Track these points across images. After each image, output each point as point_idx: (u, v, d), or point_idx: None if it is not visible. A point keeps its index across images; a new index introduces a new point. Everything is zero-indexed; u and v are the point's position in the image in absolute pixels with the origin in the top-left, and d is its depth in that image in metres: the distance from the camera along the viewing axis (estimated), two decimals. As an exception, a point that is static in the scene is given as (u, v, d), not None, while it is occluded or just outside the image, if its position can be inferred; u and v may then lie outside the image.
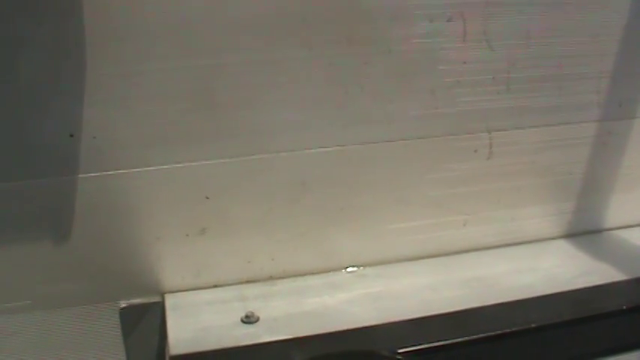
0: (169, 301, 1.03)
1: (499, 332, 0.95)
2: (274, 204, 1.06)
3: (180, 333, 0.95)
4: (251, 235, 1.07)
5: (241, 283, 1.10)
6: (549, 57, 1.14)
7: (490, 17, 1.07)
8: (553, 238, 1.25)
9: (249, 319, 0.98)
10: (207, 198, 1.01)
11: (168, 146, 0.98)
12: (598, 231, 1.28)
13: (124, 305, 1.03)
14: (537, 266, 1.15)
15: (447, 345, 0.92)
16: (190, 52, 0.95)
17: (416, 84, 1.07)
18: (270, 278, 1.10)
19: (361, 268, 1.14)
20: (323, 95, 1.03)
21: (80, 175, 0.96)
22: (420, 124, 1.09)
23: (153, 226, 1.01)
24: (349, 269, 1.13)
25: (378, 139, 1.07)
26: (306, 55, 1.00)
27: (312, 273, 1.12)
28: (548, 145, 1.18)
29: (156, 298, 1.05)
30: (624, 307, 1.02)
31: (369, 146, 1.07)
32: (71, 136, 0.92)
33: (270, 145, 1.03)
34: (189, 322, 0.98)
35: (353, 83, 1.04)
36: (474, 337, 0.94)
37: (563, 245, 1.23)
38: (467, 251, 1.19)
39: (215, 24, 0.95)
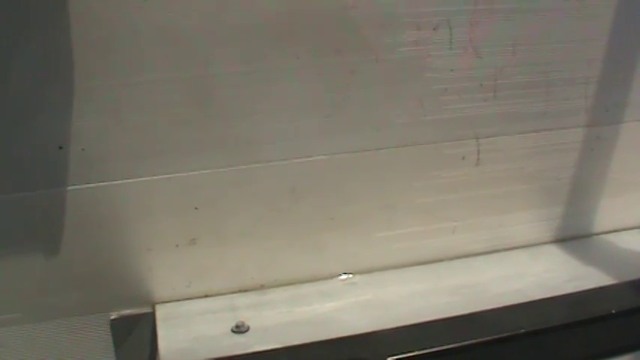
0: (160, 311, 1.06)
1: (489, 338, 0.98)
2: (264, 213, 1.09)
3: (171, 344, 0.98)
4: (241, 245, 1.10)
5: (232, 292, 1.13)
6: (536, 63, 1.18)
7: (476, 25, 1.10)
8: (543, 244, 1.28)
9: (239, 329, 1.01)
10: (197, 208, 1.04)
11: (157, 157, 1.02)
12: (587, 235, 1.31)
13: (114, 316, 1.06)
14: (527, 272, 1.18)
15: (438, 352, 0.95)
16: (179, 63, 0.99)
17: (403, 92, 1.10)
18: (262, 287, 1.13)
19: (351, 276, 1.17)
20: (311, 105, 1.06)
21: (69, 187, 0.99)
22: (408, 131, 1.12)
23: (143, 237, 1.04)
24: (340, 277, 1.17)
25: (366, 147, 1.11)
26: (295, 65, 1.04)
27: (303, 281, 1.15)
28: (536, 151, 1.22)
29: (147, 309, 1.07)
30: (613, 311, 1.05)
31: (358, 154, 1.10)
32: (60, 148, 0.96)
33: (259, 155, 1.06)
34: (180, 332, 1.01)
35: (341, 92, 1.07)
36: (464, 343, 0.97)
37: (553, 250, 1.26)
38: (457, 258, 1.23)
39: (204, 35, 0.99)
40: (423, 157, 1.14)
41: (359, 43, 1.06)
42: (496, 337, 0.99)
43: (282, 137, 1.06)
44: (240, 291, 1.13)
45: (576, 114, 1.22)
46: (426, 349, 0.95)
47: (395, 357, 0.93)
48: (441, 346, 0.96)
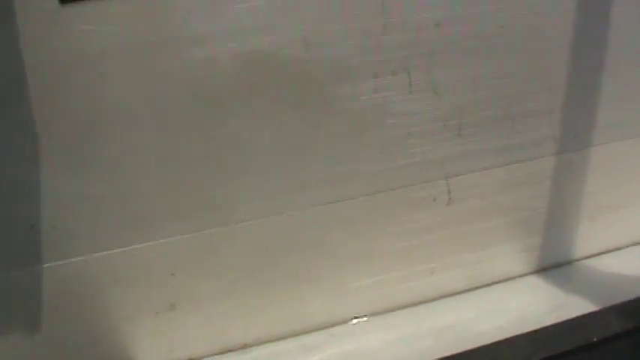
0: (145, 380, 1.05)
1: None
2: (240, 273, 1.13)
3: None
4: (221, 307, 1.13)
5: (215, 354, 1.15)
6: (498, 98, 1.21)
7: (434, 66, 1.15)
8: (523, 275, 1.32)
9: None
10: (173, 274, 1.07)
11: (129, 228, 1.05)
12: (568, 262, 1.35)
13: (100, 387, 1.06)
14: (508, 307, 1.21)
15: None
16: (143, 132, 1.03)
17: (368, 140, 1.14)
18: (244, 346, 1.16)
19: (332, 327, 1.19)
20: (277, 162, 1.10)
21: (44, 265, 1.03)
22: (377, 179, 1.16)
23: (122, 307, 1.08)
24: (320, 330, 1.19)
25: (336, 198, 1.14)
26: (257, 124, 1.08)
27: (285, 337, 1.18)
28: (508, 184, 1.25)
29: (132, 378, 1.07)
30: (595, 339, 1.08)
31: (328, 207, 1.14)
32: (32, 227, 0.98)
33: (230, 217, 1.10)
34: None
35: (305, 147, 1.11)
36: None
37: (534, 281, 1.30)
38: (437, 299, 1.26)
39: (166, 100, 1.03)
40: (394, 203, 1.17)
41: (318, 97, 1.09)
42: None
43: (252, 197, 1.10)
44: (223, 352, 1.15)
45: (544, 143, 1.25)
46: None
47: None
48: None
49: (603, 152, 1.30)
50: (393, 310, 1.23)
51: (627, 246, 1.39)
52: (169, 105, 1.01)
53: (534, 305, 1.21)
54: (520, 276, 1.32)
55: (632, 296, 1.18)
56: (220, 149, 1.06)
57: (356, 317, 1.21)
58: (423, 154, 1.18)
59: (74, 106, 0.97)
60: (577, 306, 1.19)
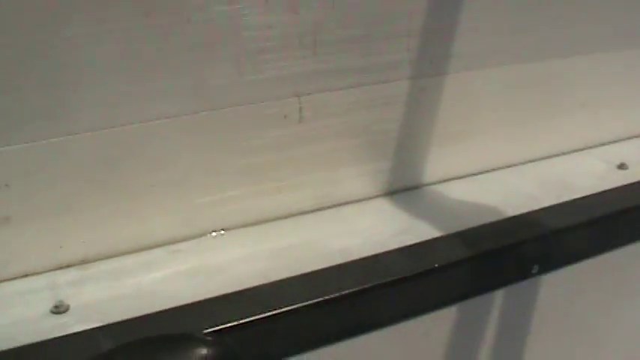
0: (-24, 296, 1.05)
1: (309, 302, 1.07)
2: (80, 186, 1.13)
3: (-13, 330, 0.97)
4: (59, 220, 1.14)
5: (53, 269, 1.16)
6: (356, 18, 1.25)
7: (291, -22, 1.12)
8: (372, 198, 1.39)
9: (58, 309, 1.05)
10: (7, 186, 1.08)
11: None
12: (417, 187, 1.44)
13: None
14: (354, 229, 1.28)
15: (255, 320, 1.03)
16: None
17: (219, 53, 1.15)
18: (83, 262, 1.18)
19: (175, 244, 1.23)
20: (122, 71, 1.09)
21: None
22: (226, 93, 1.18)
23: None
24: (162, 246, 1.22)
25: (182, 111, 1.16)
26: (101, 30, 1.06)
27: (126, 253, 1.20)
28: (361, 106, 1.30)
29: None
30: (436, 265, 1.17)
31: (174, 120, 1.15)
32: None
33: (68, 127, 1.09)
34: (-5, 317, 1.00)
35: (152, 56, 1.11)
36: (284, 309, 1.05)
37: (382, 204, 1.38)
38: (284, 217, 1.31)
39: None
40: (244, 119, 1.20)
41: (169, 5, 1.09)
42: (319, 299, 1.07)
43: (94, 107, 1.09)
44: (61, 267, 1.16)
45: (400, 67, 1.31)
46: (245, 317, 1.02)
47: (214, 328, 0.99)
48: (261, 313, 1.03)
49: (457, 80, 1.38)
50: (239, 227, 1.27)
51: (474, 174, 1.48)
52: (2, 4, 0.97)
53: (380, 228, 1.28)
54: (368, 198, 1.38)
55: (475, 224, 1.27)
56: (60, 54, 1.04)
57: (201, 234, 1.25)
58: (276, 70, 1.20)
59: None
60: (421, 231, 1.27)
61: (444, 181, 1.46)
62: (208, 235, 1.25)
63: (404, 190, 1.42)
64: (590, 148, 1.63)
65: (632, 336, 1.58)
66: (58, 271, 1.16)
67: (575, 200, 1.37)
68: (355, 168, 1.34)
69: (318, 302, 1.07)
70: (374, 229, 1.27)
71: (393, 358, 1.22)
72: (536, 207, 1.34)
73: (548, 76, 1.47)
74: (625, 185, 1.42)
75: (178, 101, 1.14)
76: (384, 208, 1.36)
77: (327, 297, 1.08)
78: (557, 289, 1.32)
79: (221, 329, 0.99)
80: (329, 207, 1.35)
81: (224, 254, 1.20)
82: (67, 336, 0.99)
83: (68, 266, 1.17)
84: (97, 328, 1.00)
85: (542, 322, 1.36)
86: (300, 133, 1.25)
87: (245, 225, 1.27)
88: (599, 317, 1.48)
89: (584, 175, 1.50)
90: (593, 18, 1.45)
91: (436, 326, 1.23)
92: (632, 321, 1.54)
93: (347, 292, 1.09)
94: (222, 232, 1.26)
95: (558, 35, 1.40)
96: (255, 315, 1.03)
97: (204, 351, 0.86)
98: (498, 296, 1.27)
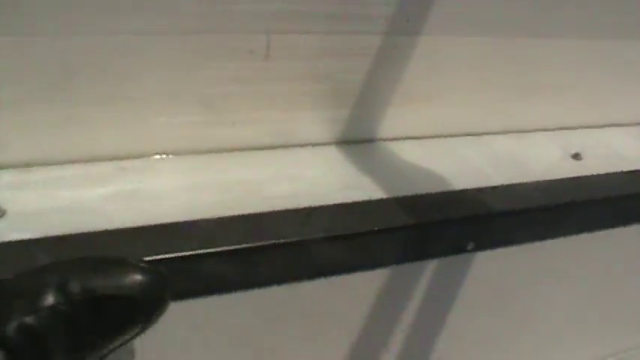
0: None
1: (247, 246, 1.10)
2: (35, 87, 1.13)
3: None
4: (7, 119, 1.15)
5: (-6, 167, 1.12)
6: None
7: None
8: (326, 144, 1.43)
9: (-6, 212, 1.02)
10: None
11: None
12: (372, 140, 1.47)
13: None
14: (303, 174, 1.31)
15: (191, 256, 1.06)
16: None
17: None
18: (27, 165, 1.19)
19: (122, 160, 1.25)
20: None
21: None
22: (196, 19, 1.18)
23: None
24: (111, 161, 1.24)
25: (150, 30, 1.16)
26: None
27: (73, 162, 1.22)
28: (330, 53, 1.32)
29: None
30: (375, 229, 1.20)
31: (141, 37, 1.16)
32: None
33: (29, 27, 1.09)
34: None
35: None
36: (219, 249, 1.08)
37: (335, 152, 1.41)
38: (237, 150, 1.34)
39: None
40: (210, 48, 1.21)
41: None
42: (257, 244, 1.11)
43: (57, 12, 1.09)
44: (2, 167, 1.17)
45: (376, 21, 1.32)
46: (180, 252, 1.05)
47: (151, 257, 1.02)
48: (196, 250, 1.07)
49: (431, 43, 1.40)
50: (189, 153, 1.30)
51: (431, 137, 1.52)
52: None
53: (328, 178, 1.31)
54: (322, 144, 1.42)
55: (421, 191, 1.31)
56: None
57: (152, 154, 1.27)
58: (249, 4, 1.21)
59: None
60: (368, 188, 1.30)
61: (400, 139, 1.50)
62: (157, 156, 1.28)
63: (359, 141, 1.45)
64: (550, 131, 1.66)
65: (554, 324, 1.66)
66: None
67: (523, 184, 1.41)
68: (313, 113, 1.37)
69: (255, 247, 1.11)
70: (322, 178, 1.30)
71: (318, 310, 1.27)
72: (484, 184, 1.37)
73: (520, 54, 1.49)
74: (576, 177, 1.45)
75: (147, 20, 1.15)
76: (336, 156, 1.39)
77: (264, 243, 1.12)
78: (489, 268, 1.38)
79: (158, 259, 1.02)
80: (282, 147, 1.38)
81: (170, 179, 1.22)
82: (2, 243, 0.99)
83: (11, 167, 1.18)
84: (33, 240, 1.01)
85: (469, 297, 1.42)
86: (264, 70, 1.27)
87: (195, 152, 1.30)
88: (524, 301, 1.54)
89: (538, 159, 1.53)
90: (575, 4, 1.47)
91: (365, 286, 1.28)
92: (555, 308, 1.61)
93: (284, 241, 1.13)
94: (171, 156, 1.28)
95: (538, 16, 1.43)
96: (192, 250, 1.06)
97: (138, 277, 0.88)
98: (431, 266, 1.31)
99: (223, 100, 1.27)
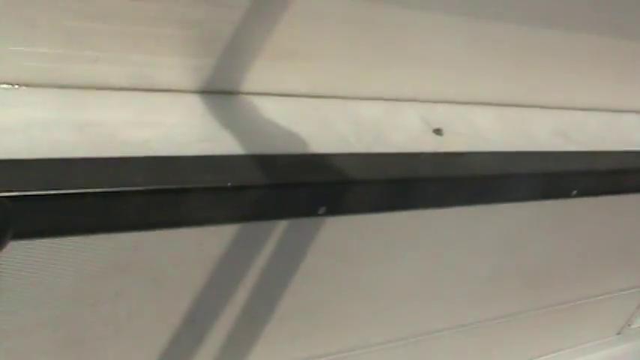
0: None
1: (97, 190, 1.12)
2: None
3: None
4: None
5: None
6: None
7: None
8: (188, 92, 1.42)
9: None
10: None
11: None
12: (235, 93, 1.48)
13: None
14: (162, 121, 1.32)
15: (40, 195, 1.06)
16: None
17: None
18: None
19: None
20: None
21: None
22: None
23: None
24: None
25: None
26: None
27: None
28: (201, 0, 1.30)
29: None
30: (228, 184, 1.23)
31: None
32: None
33: None
34: None
35: None
36: (65, 191, 1.09)
37: (196, 101, 1.41)
38: (96, 88, 1.32)
39: None
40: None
41: None
42: (107, 189, 1.12)
43: None
44: None
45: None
46: (29, 190, 1.05)
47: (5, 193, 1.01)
48: (48, 189, 1.07)
49: (305, 1, 1.41)
50: (45, 86, 1.27)
51: (296, 95, 1.54)
52: None
53: (187, 128, 1.32)
54: (184, 91, 1.42)
55: (279, 150, 1.35)
56: None
57: (3, 84, 1.23)
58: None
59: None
60: (225, 143, 1.32)
61: (265, 94, 1.51)
62: (6, 85, 1.24)
63: (222, 92, 1.46)
64: (415, 102, 1.70)
65: (393, 295, 1.74)
66: None
67: (382, 155, 1.46)
68: (179, 58, 1.37)
69: (105, 192, 1.12)
70: (180, 127, 1.31)
71: (165, 260, 1.29)
72: (343, 150, 1.40)
73: (391, 23, 1.53)
74: (434, 153, 1.51)
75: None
76: (197, 106, 1.39)
77: (110, 189, 1.13)
78: (338, 234, 1.42)
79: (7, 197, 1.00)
80: (143, 89, 1.37)
81: (23, 112, 1.21)
82: None
83: None
84: None
85: (315, 261, 1.47)
86: (133, 10, 1.26)
87: (52, 85, 1.27)
88: (368, 270, 1.61)
89: (400, 130, 1.58)
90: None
91: (212, 239, 1.30)
92: (396, 280, 1.69)
93: (127, 189, 1.14)
94: (24, 87, 1.25)
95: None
96: (41, 190, 1.06)
97: None
98: (280, 226, 1.34)
99: (88, 35, 1.25)
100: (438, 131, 1.60)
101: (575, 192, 1.73)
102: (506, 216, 1.71)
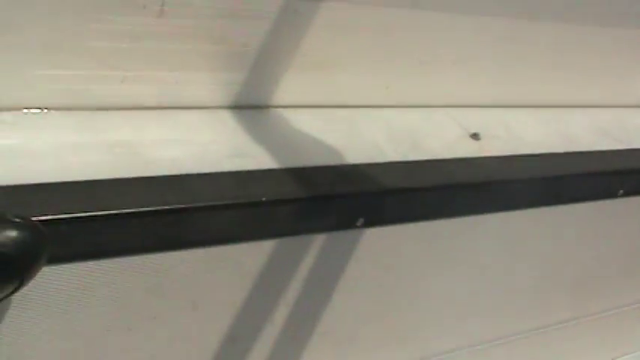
0: None
1: (130, 211, 1.10)
2: None
3: None
4: None
5: None
6: None
7: None
8: (217, 108, 1.41)
9: None
10: None
11: None
12: (266, 107, 1.47)
13: None
14: (193, 139, 1.30)
15: (73, 218, 1.04)
16: None
17: None
18: None
19: (4, 112, 1.19)
20: None
21: None
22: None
23: None
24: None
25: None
26: None
27: None
28: (227, 14, 1.31)
29: None
30: (263, 199, 1.21)
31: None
32: None
33: None
34: None
35: None
36: (100, 213, 1.07)
37: (226, 117, 1.40)
38: (125, 108, 1.31)
39: None
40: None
41: None
42: (141, 209, 1.10)
43: None
44: None
45: (276, -17, 1.27)
46: (58, 214, 1.03)
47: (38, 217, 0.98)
48: (80, 212, 1.05)
49: (333, 10, 1.40)
50: (76, 109, 1.26)
51: (327, 107, 1.52)
52: None
53: (218, 145, 1.30)
54: (214, 107, 1.40)
55: (313, 163, 1.33)
56: None
57: (28, 108, 1.22)
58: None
59: None
60: (258, 158, 1.31)
61: (296, 107, 1.49)
62: (37, 109, 1.24)
63: (252, 107, 1.44)
64: (450, 107, 1.67)
65: (438, 304, 1.71)
66: None
67: (419, 162, 1.43)
68: (206, 74, 1.36)
69: (136, 212, 1.11)
70: (211, 144, 1.30)
71: (201, 280, 1.27)
72: (378, 160, 1.38)
73: (424, 27, 1.51)
74: (472, 158, 1.48)
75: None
76: (227, 122, 1.38)
77: (146, 209, 1.12)
78: (378, 245, 1.40)
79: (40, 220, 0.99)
80: (172, 108, 1.36)
81: (53, 135, 1.19)
82: None
83: None
84: None
85: (355, 273, 1.44)
86: (157, 27, 1.25)
87: (83, 108, 1.27)
88: (411, 280, 1.58)
89: (436, 136, 1.56)
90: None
91: (250, 257, 1.29)
92: (441, 289, 1.66)
93: (167, 207, 1.13)
94: (53, 109, 1.25)
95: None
96: (74, 213, 1.05)
97: (13, 233, 0.86)
98: (319, 240, 1.31)
99: (112, 55, 1.24)
100: (475, 136, 1.57)
101: (621, 192, 1.68)
102: (550, 220, 1.67)
